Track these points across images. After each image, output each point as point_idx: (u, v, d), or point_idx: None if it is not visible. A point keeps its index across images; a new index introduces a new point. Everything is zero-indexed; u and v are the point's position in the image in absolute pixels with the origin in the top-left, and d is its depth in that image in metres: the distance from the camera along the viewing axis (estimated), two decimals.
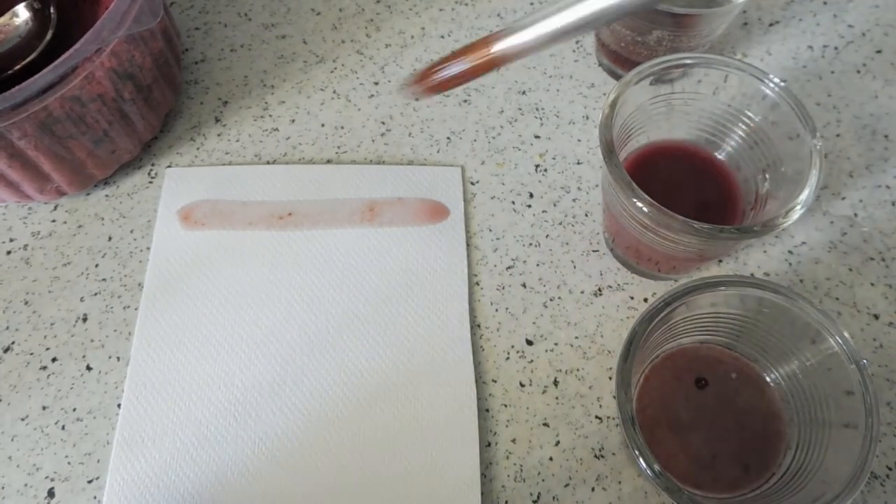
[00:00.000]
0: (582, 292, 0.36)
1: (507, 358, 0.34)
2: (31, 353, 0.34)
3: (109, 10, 0.31)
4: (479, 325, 0.35)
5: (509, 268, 0.36)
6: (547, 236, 0.37)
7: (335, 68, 0.43)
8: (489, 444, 0.32)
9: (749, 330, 0.30)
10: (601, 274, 0.36)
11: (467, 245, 0.37)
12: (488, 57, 0.25)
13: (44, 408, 0.33)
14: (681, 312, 0.29)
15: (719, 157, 0.34)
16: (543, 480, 0.31)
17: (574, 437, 0.32)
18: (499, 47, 0.25)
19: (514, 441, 0.32)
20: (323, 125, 0.41)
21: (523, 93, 0.42)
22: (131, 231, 0.37)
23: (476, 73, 0.26)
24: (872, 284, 0.36)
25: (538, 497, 0.31)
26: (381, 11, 0.46)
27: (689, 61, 0.31)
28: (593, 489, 0.31)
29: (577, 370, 0.34)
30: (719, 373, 0.32)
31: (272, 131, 0.41)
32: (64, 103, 0.32)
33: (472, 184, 0.39)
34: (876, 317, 0.35)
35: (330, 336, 0.34)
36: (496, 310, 0.35)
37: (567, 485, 0.31)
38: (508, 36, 0.25)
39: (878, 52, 0.44)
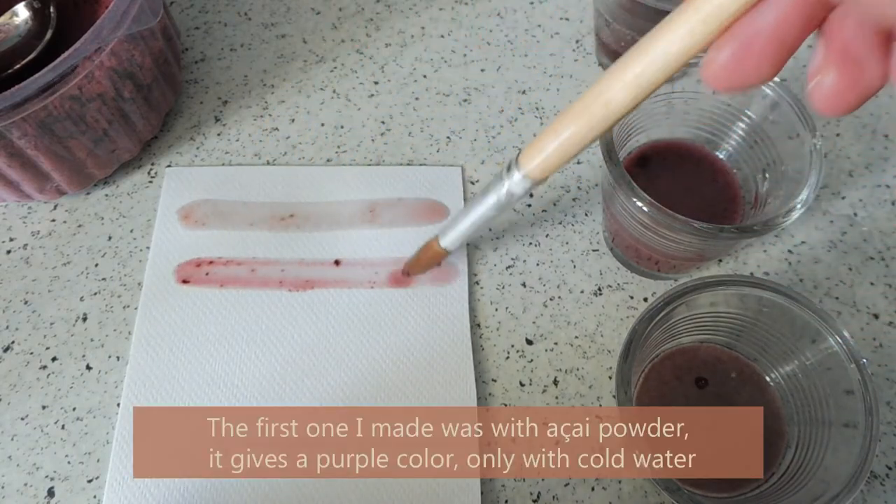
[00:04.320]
0: (582, 292, 0.36)
1: (507, 357, 0.34)
2: (31, 353, 0.34)
3: (109, 10, 0.31)
4: (478, 325, 0.35)
5: (509, 267, 0.36)
6: (547, 236, 0.37)
7: (335, 68, 0.43)
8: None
9: (749, 329, 0.30)
10: (601, 273, 0.36)
11: (467, 245, 0.37)
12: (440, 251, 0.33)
13: (44, 407, 0.33)
14: (680, 312, 0.29)
15: (719, 156, 0.34)
16: (543, 480, 0.31)
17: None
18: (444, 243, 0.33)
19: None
20: (323, 125, 0.41)
21: (523, 92, 0.42)
22: (131, 230, 0.37)
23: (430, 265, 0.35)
24: (872, 284, 0.36)
25: (538, 497, 0.31)
26: (381, 11, 0.46)
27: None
28: (593, 489, 0.31)
29: (577, 370, 0.34)
30: (719, 372, 0.32)
31: (272, 131, 0.41)
32: (64, 102, 0.32)
33: (472, 184, 0.39)
34: (876, 316, 0.35)
35: (330, 336, 0.34)
36: (496, 309, 0.35)
37: (567, 484, 0.31)
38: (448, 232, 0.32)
39: None
